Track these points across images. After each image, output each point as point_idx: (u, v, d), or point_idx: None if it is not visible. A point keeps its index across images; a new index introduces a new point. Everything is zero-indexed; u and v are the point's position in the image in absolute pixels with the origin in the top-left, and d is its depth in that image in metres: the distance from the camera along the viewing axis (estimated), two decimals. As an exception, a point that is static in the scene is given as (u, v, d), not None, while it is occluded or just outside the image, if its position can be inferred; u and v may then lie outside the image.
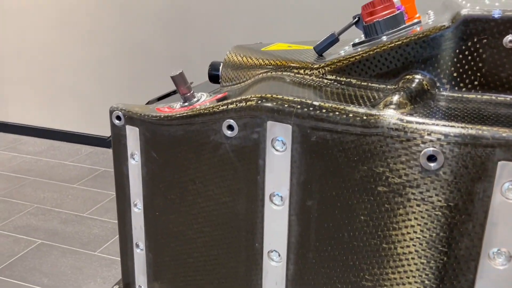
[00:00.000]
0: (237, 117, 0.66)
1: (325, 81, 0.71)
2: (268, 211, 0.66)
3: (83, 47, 3.05)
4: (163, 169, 0.77)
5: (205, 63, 2.84)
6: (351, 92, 0.66)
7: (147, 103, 0.98)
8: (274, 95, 0.64)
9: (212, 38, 2.77)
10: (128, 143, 0.80)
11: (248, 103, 0.65)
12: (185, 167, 0.74)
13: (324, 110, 0.59)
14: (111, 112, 0.81)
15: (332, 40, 0.79)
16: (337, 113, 0.58)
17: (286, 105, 0.62)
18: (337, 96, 0.65)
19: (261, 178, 0.66)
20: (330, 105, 0.60)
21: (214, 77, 0.96)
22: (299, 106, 0.61)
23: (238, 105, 0.66)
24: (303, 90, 0.67)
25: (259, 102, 0.64)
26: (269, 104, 0.63)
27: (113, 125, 0.81)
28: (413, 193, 0.55)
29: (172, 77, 0.78)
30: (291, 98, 0.62)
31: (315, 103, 0.60)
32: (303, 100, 0.61)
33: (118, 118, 0.80)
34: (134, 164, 0.80)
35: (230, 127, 0.67)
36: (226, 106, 0.67)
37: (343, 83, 0.70)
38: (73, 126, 3.25)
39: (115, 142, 0.82)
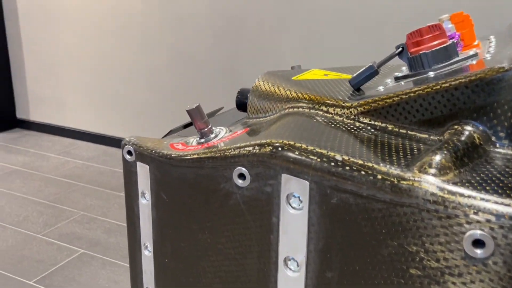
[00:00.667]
0: (250, 165, 0.57)
1: (357, 124, 0.61)
2: (282, 276, 0.57)
3: (137, 56, 3.07)
4: (173, 213, 0.69)
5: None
6: (385, 141, 0.55)
7: (170, 132, 0.91)
8: (291, 143, 0.54)
9: (263, 51, 2.70)
10: (139, 180, 0.73)
11: (261, 149, 0.56)
12: (195, 214, 0.65)
13: (347, 168, 0.49)
14: (122, 146, 0.74)
15: (371, 73, 0.68)
16: (363, 172, 0.48)
17: (303, 157, 0.52)
18: (368, 145, 0.54)
19: (275, 238, 0.56)
20: (355, 161, 0.49)
21: (242, 105, 0.87)
22: (318, 160, 0.51)
23: (251, 151, 0.57)
24: (329, 136, 0.57)
25: (274, 150, 0.54)
26: (284, 154, 0.53)
27: (124, 160, 0.74)
28: (453, 283, 0.43)
29: (188, 111, 0.70)
30: (310, 147, 0.52)
31: (338, 157, 0.50)
32: (324, 152, 0.51)
33: (129, 153, 0.73)
34: (145, 204, 0.73)
35: (241, 176, 0.58)
36: (238, 151, 0.58)
37: (377, 128, 0.59)
38: (124, 133, 3.29)
39: (126, 178, 0.75)
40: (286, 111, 0.71)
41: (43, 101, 3.53)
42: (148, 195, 0.72)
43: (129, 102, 3.20)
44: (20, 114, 3.67)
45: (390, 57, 0.68)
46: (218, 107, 2.94)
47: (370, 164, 0.48)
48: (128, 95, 3.19)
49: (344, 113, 0.63)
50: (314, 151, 0.52)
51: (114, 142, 3.33)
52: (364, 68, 0.69)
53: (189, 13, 2.83)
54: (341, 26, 2.49)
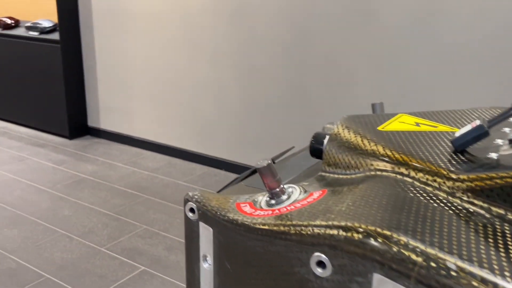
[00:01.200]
0: (332, 252, 0.47)
1: (466, 206, 0.49)
2: None
3: (206, 69, 3.05)
4: (237, 286, 0.60)
5: (323, 93, 2.64)
6: (509, 238, 0.43)
7: (235, 180, 0.82)
8: (386, 233, 0.43)
9: (334, 68, 2.58)
10: (200, 242, 0.65)
11: (347, 236, 0.45)
12: (263, 293, 0.56)
13: (464, 281, 0.37)
14: (185, 202, 0.66)
15: (479, 135, 0.56)
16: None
17: (403, 256, 0.41)
18: (487, 242, 0.42)
19: None
20: (474, 271, 0.38)
21: (316, 151, 0.77)
22: (424, 263, 0.40)
23: (334, 236, 0.46)
24: (434, 223, 0.46)
25: (363, 240, 0.44)
26: (377, 248, 0.43)
27: (186, 218, 0.66)
28: None
29: (258, 170, 0.61)
30: (412, 242, 0.41)
31: (450, 263, 0.39)
32: (431, 252, 0.40)
33: (192, 210, 0.65)
34: (206, 269, 0.65)
35: (321, 264, 0.48)
36: (317, 232, 0.48)
37: (494, 214, 0.47)
38: (189, 145, 3.28)
39: (187, 237, 0.67)
40: (372, 173, 0.60)
41: (113, 110, 3.60)
42: (210, 260, 0.64)
43: (196, 115, 3.19)
44: (91, 122, 3.78)
45: (504, 117, 0.55)
46: (284, 123, 2.85)
47: (494, 280, 0.37)
48: (196, 108, 3.17)
49: (448, 187, 0.51)
50: (418, 249, 0.41)
51: (179, 153, 3.33)
52: (470, 127, 0.56)
53: (260, 28, 2.77)
54: (430, 55, 2.32)
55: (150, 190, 2.83)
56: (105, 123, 3.69)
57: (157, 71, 3.28)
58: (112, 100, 3.58)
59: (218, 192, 0.79)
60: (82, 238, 2.28)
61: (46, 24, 3.62)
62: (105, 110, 3.65)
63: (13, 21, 3.85)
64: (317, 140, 0.76)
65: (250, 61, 2.85)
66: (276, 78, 2.78)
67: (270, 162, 0.61)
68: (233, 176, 3.06)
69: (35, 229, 2.35)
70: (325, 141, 0.75)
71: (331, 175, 0.68)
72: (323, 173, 0.70)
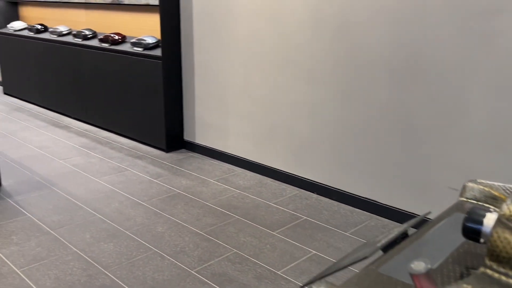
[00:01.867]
0: None
1: None
2: None
3: (302, 87, 2.92)
4: None
5: (429, 121, 2.38)
6: None
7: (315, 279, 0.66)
8: None
9: (443, 94, 2.32)
10: None
11: None
12: None
13: None
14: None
15: None
16: None
17: None
18: None
19: None
20: None
21: (472, 233, 0.59)
22: None
23: None
24: None
25: None
26: None
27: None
28: None
29: (413, 276, 0.45)
30: None
31: None
32: None
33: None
34: None
35: None
36: None
37: None
38: (281, 165, 3.16)
39: None
40: None
41: (209, 126, 3.59)
42: None
43: (290, 134, 3.06)
44: (187, 136, 3.80)
45: None
46: (383, 149, 2.62)
47: None
48: (290, 127, 3.05)
49: None
50: None
51: (271, 172, 3.22)
52: None
53: (364, 48, 2.58)
54: (549, 68, 2.00)
55: (241, 210, 2.74)
56: (200, 138, 3.69)
57: (253, 89, 3.21)
58: (208, 116, 3.57)
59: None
60: (174, 258, 2.24)
61: (150, 40, 3.71)
62: (200, 125, 3.66)
63: (120, 37, 4.01)
64: (474, 218, 0.58)
65: (350, 82, 2.67)
66: (377, 100, 2.58)
67: (429, 268, 0.44)
68: (325, 201, 2.89)
69: (129, 244, 2.35)
70: (488, 221, 0.57)
71: (504, 277, 0.50)
72: (489, 271, 0.52)
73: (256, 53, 3.11)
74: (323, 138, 2.88)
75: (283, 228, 2.54)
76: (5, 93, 5.75)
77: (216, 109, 3.49)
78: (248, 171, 3.35)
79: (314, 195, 2.97)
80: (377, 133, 2.62)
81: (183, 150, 3.82)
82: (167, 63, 3.58)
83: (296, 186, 3.09)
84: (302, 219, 2.64)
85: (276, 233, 2.49)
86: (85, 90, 4.37)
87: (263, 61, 3.09)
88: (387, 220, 2.66)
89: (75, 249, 2.29)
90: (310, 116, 2.92)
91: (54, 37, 4.66)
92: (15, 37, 5.21)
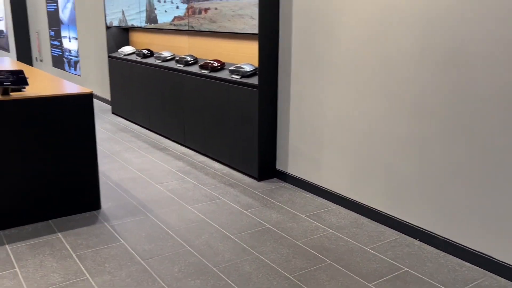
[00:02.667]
0: None
1: None
2: None
3: (405, 122, 2.65)
4: None
5: None
6: None
7: None
8: None
9: None
10: None
11: None
12: None
13: None
14: None
15: None
16: None
17: None
18: None
19: None
20: None
21: None
22: None
23: None
24: None
25: None
26: None
27: None
28: None
29: None
30: None
31: None
32: None
33: None
34: None
35: None
36: None
37: None
38: (379, 204, 2.89)
39: None
40: None
41: (302, 156, 3.43)
42: None
43: (390, 172, 2.79)
44: (279, 166, 3.67)
45: None
46: (499, 197, 2.25)
47: None
48: (390, 165, 2.78)
49: None
50: None
51: (367, 212, 2.96)
52: None
53: (478, 83, 2.27)
54: None
55: (334, 254, 2.52)
56: (293, 168, 3.53)
57: (351, 121, 2.99)
58: (302, 146, 3.41)
59: None
60: (260, 305, 2.09)
61: (248, 68, 3.65)
62: (294, 155, 3.50)
63: (219, 64, 4.01)
64: None
65: (462, 118, 2.36)
66: (495, 141, 2.23)
67: None
68: (429, 250, 2.57)
69: (216, 284, 2.24)
70: None
71: None
72: None
73: (357, 84, 2.90)
74: (429, 178, 2.57)
75: (381, 280, 2.28)
76: (113, 113, 6.09)
77: (311, 139, 3.32)
78: (342, 208, 3.12)
79: (417, 242, 2.66)
80: (495, 178, 2.27)
81: (275, 179, 3.69)
82: (263, 91, 3.49)
83: (396, 230, 2.80)
84: (402, 270, 2.36)
85: (373, 285, 2.23)
86: (184, 114, 4.44)
87: (364, 93, 2.86)
88: (504, 280, 2.28)
89: (163, 284, 2.23)
90: (414, 153, 2.63)
91: (158, 62, 4.82)
92: (124, 61, 5.49)
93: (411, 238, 2.70)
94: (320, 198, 3.29)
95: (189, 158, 4.21)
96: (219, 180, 3.65)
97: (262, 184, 3.57)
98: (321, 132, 3.22)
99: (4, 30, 11.58)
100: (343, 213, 3.05)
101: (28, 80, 2.93)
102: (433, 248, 2.59)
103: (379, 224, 2.89)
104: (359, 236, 2.73)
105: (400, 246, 2.62)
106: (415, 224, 2.69)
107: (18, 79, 2.65)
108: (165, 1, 4.54)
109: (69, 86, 3.05)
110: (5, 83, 2.59)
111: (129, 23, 5.35)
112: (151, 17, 4.88)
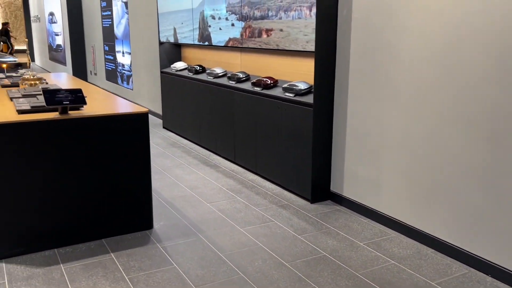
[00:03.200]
0: None
1: None
2: None
3: (479, 149, 2.44)
4: None
5: None
6: None
7: None
8: None
9: None
10: None
11: None
12: None
13: None
14: None
15: None
16: None
17: None
18: None
19: None
20: None
21: None
22: None
23: None
24: None
25: None
26: None
27: None
28: None
29: None
30: None
31: None
32: None
33: None
34: None
35: None
36: None
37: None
38: (445, 235, 2.67)
39: None
40: None
41: (359, 179, 3.25)
42: None
43: (457, 201, 2.58)
44: (334, 188, 3.51)
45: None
46: None
47: None
48: (458, 193, 2.57)
49: None
50: None
51: (431, 242, 2.75)
52: None
53: None
54: None
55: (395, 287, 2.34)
56: (349, 190, 3.36)
57: (415, 144, 2.80)
58: (359, 168, 3.24)
59: None
60: None
61: (302, 86, 3.53)
62: (350, 177, 3.34)
63: (272, 81, 3.91)
64: None
65: (546, 149, 2.13)
66: None
67: None
68: (502, 287, 2.33)
69: (272, 317, 2.11)
70: None
71: None
72: None
73: (422, 105, 2.71)
74: (503, 211, 2.35)
75: (451, 321, 2.07)
76: (164, 127, 6.12)
77: (369, 161, 3.14)
78: (404, 237, 2.92)
79: (489, 278, 2.43)
80: None
81: (329, 201, 3.53)
82: (319, 110, 3.36)
83: (464, 263, 2.57)
84: (475, 312, 2.14)
85: (443, 327, 2.03)
86: (235, 131, 4.37)
87: (430, 115, 2.67)
88: None
89: (217, 314, 2.12)
90: (488, 183, 2.41)
91: (210, 78, 4.79)
92: (176, 76, 5.51)
93: (482, 274, 2.47)
94: (379, 224, 3.10)
95: (240, 176, 4.12)
96: (271, 200, 3.53)
97: (315, 206, 3.43)
98: (381, 154, 3.05)
99: (62, 45, 12.06)
100: (405, 242, 2.85)
101: (86, 99, 2.95)
102: (507, 286, 2.35)
103: (445, 256, 2.67)
104: (423, 268, 2.53)
105: (470, 281, 2.39)
106: (487, 259, 2.46)
107: (77, 98, 2.65)
108: (219, 18, 4.51)
109: (124, 104, 3.04)
110: (64, 102, 2.60)
111: (182, 41, 5.37)
112: (204, 36, 4.87)
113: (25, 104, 2.79)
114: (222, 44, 4.52)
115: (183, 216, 3.23)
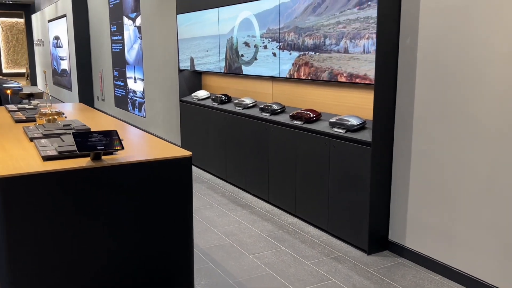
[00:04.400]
0: None
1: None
2: None
3: None
4: None
5: None
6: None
7: None
8: None
9: None
10: None
11: None
12: None
13: None
14: None
15: None
16: None
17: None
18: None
19: None
20: None
21: None
22: None
23: None
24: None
25: None
26: None
27: None
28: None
29: None
30: None
31: None
32: None
33: None
34: None
35: None
36: None
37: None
38: (548, 302, 2.24)
39: None
40: None
41: (426, 228, 2.83)
42: None
43: None
44: (393, 236, 3.08)
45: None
46: None
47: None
48: None
49: None
50: None
51: (529, 310, 2.32)
52: None
53: None
54: None
55: None
56: (412, 241, 2.94)
57: (501, 191, 2.39)
58: (426, 216, 2.82)
59: None
60: None
61: (354, 121, 3.14)
62: (414, 226, 2.92)
63: (314, 115, 3.53)
64: None
65: None
66: None
67: None
68: None
69: None
70: None
71: None
72: None
73: (499, 138, 2.32)
74: None
75: None
76: (183, 159, 5.70)
77: (438, 208, 2.73)
78: (490, 301, 2.49)
79: None
80: None
81: (387, 252, 3.10)
82: (378, 149, 2.96)
83: None
84: None
85: None
86: (269, 167, 3.96)
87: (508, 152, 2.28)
88: None
89: None
90: None
91: (239, 109, 4.41)
92: (198, 106, 5.13)
93: None
94: (454, 283, 2.67)
95: (277, 218, 3.70)
96: (321, 251, 3.10)
97: (374, 258, 2.99)
98: (455, 201, 2.64)
99: (67, 69, 11.72)
100: (493, 308, 2.42)
101: (123, 142, 2.54)
102: None
103: (549, 328, 2.24)
104: None
105: None
106: None
107: (112, 141, 2.25)
108: (255, 46, 4.07)
109: (159, 144, 2.64)
110: (98, 147, 2.19)
111: (205, 69, 5.00)
112: (233, 68, 4.49)
113: (50, 148, 2.38)
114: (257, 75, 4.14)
115: (226, 273, 2.79)
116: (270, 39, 3.84)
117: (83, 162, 2.20)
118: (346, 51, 3.04)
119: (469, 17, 2.46)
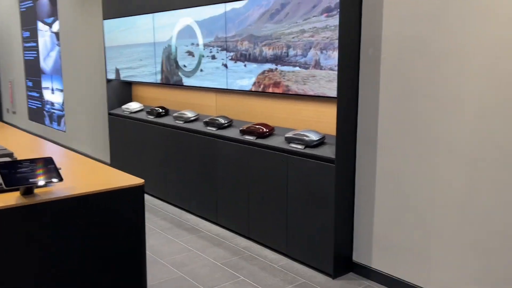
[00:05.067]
0: None
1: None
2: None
3: None
4: None
5: None
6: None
7: None
8: None
9: None
10: None
11: None
12: None
13: None
14: None
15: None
16: None
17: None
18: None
19: None
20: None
21: None
22: None
23: None
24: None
25: None
26: None
27: None
28: None
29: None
30: None
31: None
32: None
33: None
34: None
35: None
36: None
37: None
38: (528, 322, 2.17)
39: None
40: None
41: (396, 248, 2.69)
42: None
43: (546, 282, 2.09)
44: (357, 258, 2.91)
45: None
46: None
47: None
48: (547, 273, 2.09)
49: None
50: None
51: (509, 331, 2.24)
52: None
53: None
54: None
55: None
56: (379, 262, 2.79)
57: (480, 210, 2.30)
58: (396, 235, 2.68)
59: None
60: None
61: (313, 136, 2.94)
62: (381, 246, 2.77)
63: (268, 130, 3.28)
64: None
65: None
66: None
67: None
68: None
69: None
70: None
71: None
72: None
73: (490, 161, 2.23)
74: None
75: None
76: (113, 178, 5.19)
77: (409, 227, 2.60)
78: (468, 323, 2.38)
79: None
80: None
81: (351, 274, 2.92)
82: (341, 166, 2.78)
83: None
84: None
85: None
86: (217, 187, 3.65)
87: (502, 174, 2.20)
88: None
89: None
90: None
91: (180, 123, 4.05)
92: (131, 119, 4.67)
93: None
94: (428, 306, 2.55)
95: (229, 242, 3.39)
96: (283, 278, 2.85)
97: (340, 283, 2.80)
98: (427, 218, 2.52)
99: (-30, 79, 10.47)
100: (473, 331, 2.31)
101: (61, 171, 2.09)
102: None
103: None
104: None
105: None
106: None
107: (47, 171, 1.83)
108: (200, 56, 3.71)
109: (104, 172, 2.23)
110: (30, 180, 1.76)
111: (138, 80, 4.58)
112: (172, 79, 4.12)
113: (-37, 181, 1.89)
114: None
115: (184, 315, 2.43)
116: (219, 48, 3.54)
117: (12, 198, 1.76)
118: (317, 63, 2.80)
119: (437, 27, 2.36)
